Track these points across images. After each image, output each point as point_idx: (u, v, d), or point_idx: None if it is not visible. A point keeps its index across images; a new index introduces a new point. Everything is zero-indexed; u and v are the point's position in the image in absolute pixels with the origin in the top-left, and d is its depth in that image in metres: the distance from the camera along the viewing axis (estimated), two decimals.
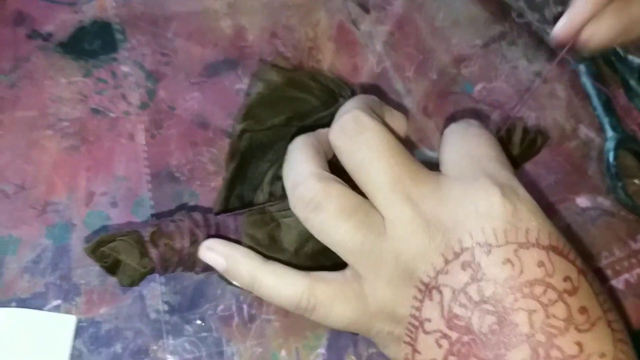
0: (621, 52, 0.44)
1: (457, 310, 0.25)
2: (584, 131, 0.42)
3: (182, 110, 0.40)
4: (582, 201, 0.40)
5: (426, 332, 0.26)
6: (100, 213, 0.36)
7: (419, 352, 0.26)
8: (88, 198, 0.36)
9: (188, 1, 0.44)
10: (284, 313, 0.34)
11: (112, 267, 0.30)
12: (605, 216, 0.39)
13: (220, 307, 0.34)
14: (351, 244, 0.27)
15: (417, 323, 0.26)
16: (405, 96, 0.43)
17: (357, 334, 0.34)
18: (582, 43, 0.33)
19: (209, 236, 0.30)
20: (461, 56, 0.45)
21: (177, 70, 0.41)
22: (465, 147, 0.29)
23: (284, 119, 0.35)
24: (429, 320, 0.26)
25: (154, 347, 0.33)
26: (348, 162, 0.29)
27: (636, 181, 0.41)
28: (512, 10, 0.46)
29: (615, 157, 0.40)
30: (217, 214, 0.33)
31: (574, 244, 0.36)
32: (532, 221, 0.26)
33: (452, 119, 0.42)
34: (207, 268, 0.31)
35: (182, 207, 0.36)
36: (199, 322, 0.34)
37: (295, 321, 0.34)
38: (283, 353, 0.33)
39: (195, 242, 0.30)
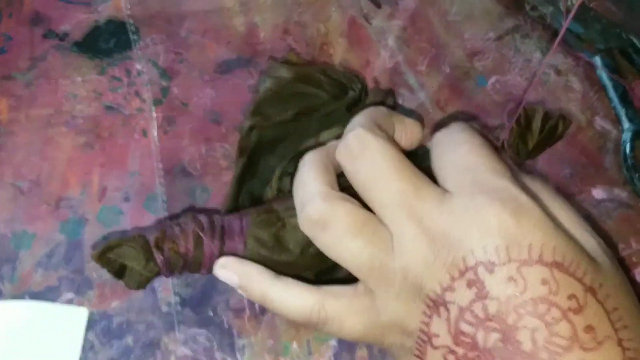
0: (638, 43, 0.43)
1: (463, 327, 0.25)
2: (600, 123, 0.42)
3: (195, 106, 0.40)
4: (598, 193, 0.39)
5: (434, 347, 0.26)
6: (114, 208, 0.36)
7: None
8: (101, 193, 0.37)
9: (202, 0, 0.45)
10: None
11: (118, 272, 0.30)
12: (622, 208, 0.39)
13: (232, 300, 0.34)
14: (359, 261, 0.28)
15: (425, 338, 0.26)
16: (418, 90, 0.42)
17: None
18: None
19: (213, 238, 0.30)
20: (474, 50, 0.44)
21: (191, 68, 0.42)
22: (457, 158, 0.29)
23: (291, 115, 0.35)
24: (436, 335, 0.26)
25: (166, 340, 0.33)
26: (353, 180, 0.29)
27: None
28: (526, 3, 0.46)
29: (632, 149, 0.39)
30: (226, 212, 0.34)
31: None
32: (535, 235, 0.25)
33: (454, 118, 0.42)
34: (212, 270, 0.31)
35: (193, 202, 0.37)
36: (210, 314, 0.34)
37: None
38: (294, 345, 0.33)
39: (200, 246, 0.30)
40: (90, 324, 0.33)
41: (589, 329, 0.24)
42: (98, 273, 0.34)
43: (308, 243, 0.30)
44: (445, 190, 0.28)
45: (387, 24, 0.45)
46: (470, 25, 0.45)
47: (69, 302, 0.34)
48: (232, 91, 0.41)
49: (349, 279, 0.29)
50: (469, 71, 0.43)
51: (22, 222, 0.35)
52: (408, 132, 0.33)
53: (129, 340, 0.33)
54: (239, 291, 0.30)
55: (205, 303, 0.34)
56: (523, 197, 0.26)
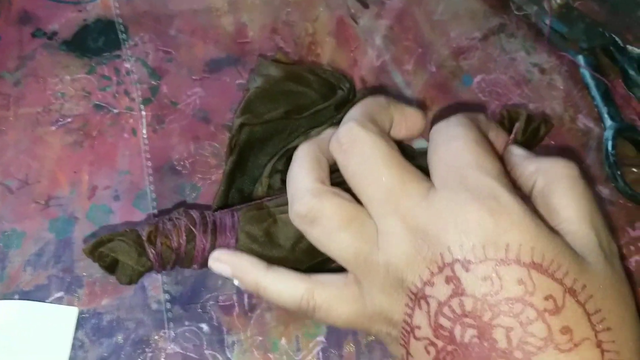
0: (620, 42, 0.44)
1: (442, 321, 0.26)
2: (583, 121, 0.42)
3: (184, 105, 0.40)
4: None
5: (417, 338, 0.27)
6: (103, 207, 0.37)
7: (411, 355, 0.27)
8: (91, 192, 0.37)
9: None
10: None
11: (110, 267, 0.30)
12: (605, 204, 0.39)
13: (221, 297, 0.35)
14: (346, 254, 0.28)
15: (409, 329, 0.27)
16: (405, 89, 0.43)
17: None
18: None
19: (205, 233, 0.31)
20: (460, 49, 0.45)
21: (180, 67, 0.42)
22: (445, 154, 0.29)
23: (282, 112, 0.36)
24: (418, 327, 0.27)
25: (156, 337, 0.33)
26: (345, 174, 0.29)
27: (635, 169, 0.41)
28: (511, 3, 0.46)
29: (614, 146, 0.40)
30: (216, 209, 0.34)
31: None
32: (513, 235, 0.25)
33: (447, 111, 0.42)
34: (204, 265, 0.31)
35: (183, 200, 0.37)
36: (200, 311, 0.34)
37: None
38: (283, 341, 0.34)
39: (192, 240, 0.30)
40: (80, 323, 0.33)
41: (566, 330, 0.24)
42: (88, 272, 0.35)
43: (299, 238, 0.31)
44: (432, 186, 0.28)
45: (374, 24, 0.45)
46: (456, 25, 0.46)
47: (59, 300, 0.34)
48: (221, 90, 0.41)
49: (341, 269, 0.30)
50: (454, 70, 0.44)
51: (11, 221, 0.36)
52: (408, 122, 0.32)
53: (119, 338, 0.33)
54: (234, 282, 0.31)
55: (195, 300, 0.34)
56: (505, 196, 0.26)
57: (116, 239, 0.30)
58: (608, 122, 0.41)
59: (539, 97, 0.43)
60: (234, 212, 0.32)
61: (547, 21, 0.45)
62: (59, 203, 0.36)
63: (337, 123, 0.33)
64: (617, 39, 0.44)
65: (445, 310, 0.25)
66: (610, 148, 0.40)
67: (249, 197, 0.35)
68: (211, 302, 0.34)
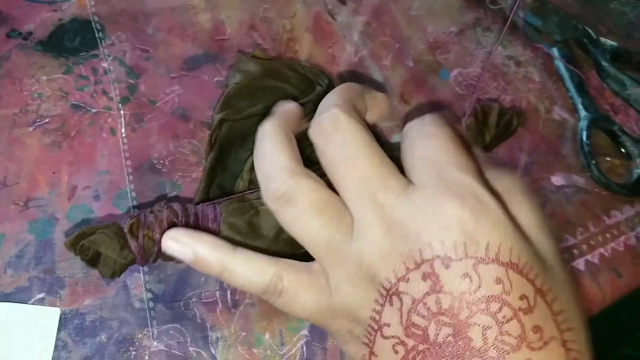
0: (593, 34, 0.45)
1: (415, 319, 0.25)
2: (558, 112, 0.43)
3: (162, 103, 0.40)
4: (557, 179, 0.40)
5: (384, 337, 0.26)
6: (83, 207, 0.36)
7: (375, 355, 0.27)
8: (70, 192, 0.37)
9: None
10: None
11: (92, 260, 0.30)
12: (580, 193, 0.40)
13: (204, 294, 0.35)
14: (317, 240, 0.28)
15: (376, 326, 0.26)
16: (383, 84, 0.43)
17: None
18: None
19: (187, 225, 0.31)
20: (437, 43, 0.45)
21: (158, 65, 0.42)
22: (424, 151, 0.28)
23: (262, 108, 0.36)
24: (387, 325, 0.26)
25: (139, 336, 0.33)
26: (323, 160, 0.29)
27: (609, 159, 0.41)
28: None
29: (589, 136, 0.41)
30: (198, 203, 0.34)
31: (550, 222, 0.37)
32: (493, 235, 0.25)
33: (421, 110, 0.43)
34: None
35: (163, 198, 0.37)
36: (183, 309, 0.34)
37: None
38: (267, 336, 0.34)
39: None
40: (63, 323, 0.33)
41: (537, 329, 0.25)
42: (69, 272, 0.34)
43: (281, 228, 0.30)
44: (410, 182, 0.28)
45: (351, 20, 0.46)
46: (432, 19, 0.46)
47: (41, 302, 0.34)
48: (199, 87, 0.41)
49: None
50: (432, 64, 0.44)
51: None
52: (379, 107, 0.33)
53: (103, 337, 0.33)
54: (193, 266, 0.29)
55: (178, 298, 0.35)
56: (486, 196, 0.26)
57: (98, 232, 0.29)
58: (582, 112, 0.42)
59: (515, 89, 0.44)
60: (216, 205, 0.32)
61: (521, 14, 0.46)
62: (39, 204, 0.36)
63: None
64: (590, 31, 0.45)
65: (420, 307, 0.25)
66: (584, 138, 0.41)
67: (230, 192, 0.35)
68: (194, 299, 0.35)
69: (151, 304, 0.34)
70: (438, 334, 0.25)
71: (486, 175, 0.29)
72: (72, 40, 0.42)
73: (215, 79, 0.41)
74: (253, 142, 0.36)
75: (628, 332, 0.92)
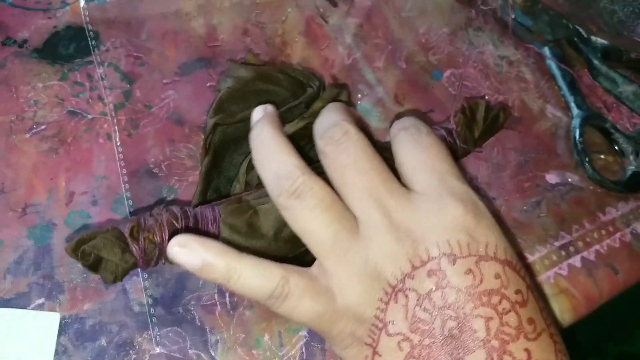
0: (584, 33, 0.45)
1: (421, 314, 0.27)
2: (551, 111, 0.43)
3: (158, 108, 0.41)
4: (552, 177, 0.41)
5: (389, 335, 0.27)
6: (81, 212, 0.37)
7: (379, 355, 0.27)
8: (68, 198, 0.37)
9: (160, 3, 0.45)
10: None
11: (94, 265, 0.30)
12: (575, 191, 0.40)
13: (203, 297, 0.35)
14: (324, 236, 0.29)
15: (380, 325, 0.28)
16: (377, 86, 0.43)
17: None
18: None
19: (187, 228, 0.31)
20: (429, 44, 0.46)
21: (152, 71, 0.42)
22: (423, 161, 0.31)
23: None
24: (392, 322, 0.27)
25: (139, 339, 0.33)
26: (332, 166, 0.30)
27: (602, 156, 0.42)
28: None
29: (582, 134, 0.41)
30: (195, 206, 0.34)
31: (545, 218, 0.38)
32: (490, 236, 0.28)
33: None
34: None
35: (161, 202, 0.37)
36: (182, 312, 0.34)
37: None
38: (266, 337, 0.34)
39: (175, 234, 0.30)
40: (63, 328, 0.33)
41: (531, 321, 0.27)
42: (68, 277, 0.34)
43: (281, 227, 0.31)
44: (409, 190, 0.30)
45: (343, 22, 0.46)
46: (424, 20, 0.47)
47: (40, 307, 0.34)
48: (194, 92, 0.41)
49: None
50: (424, 65, 0.45)
51: None
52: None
53: (103, 341, 0.33)
54: (198, 273, 0.29)
55: (177, 301, 0.35)
56: (480, 203, 0.30)
57: (98, 237, 0.29)
58: (575, 111, 0.42)
59: (508, 89, 0.44)
60: (214, 206, 0.32)
61: (512, 15, 0.46)
62: (36, 210, 0.36)
63: (308, 118, 0.35)
64: (580, 30, 0.45)
65: (426, 303, 0.27)
66: (578, 136, 0.41)
67: (226, 196, 0.35)
68: (193, 302, 0.35)
69: (151, 308, 0.34)
70: (444, 328, 0.26)
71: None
72: (67, 47, 0.42)
73: (208, 84, 0.42)
74: (247, 146, 0.36)
75: (627, 329, 0.92)
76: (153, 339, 0.33)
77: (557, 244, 0.38)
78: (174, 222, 0.31)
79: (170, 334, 0.34)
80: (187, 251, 0.28)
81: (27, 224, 0.36)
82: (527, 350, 0.26)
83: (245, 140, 0.36)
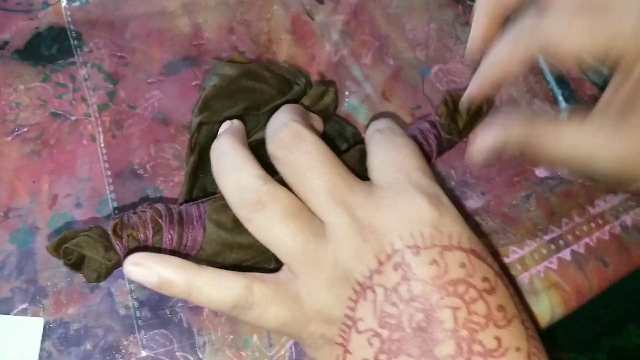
0: None
1: (389, 308, 0.27)
2: (539, 104, 0.43)
3: (142, 109, 0.40)
4: (541, 172, 0.40)
5: (359, 332, 0.27)
6: (65, 215, 0.36)
7: (350, 353, 0.27)
8: (52, 201, 0.36)
9: (144, 3, 0.44)
10: None
11: (76, 264, 0.29)
12: (564, 184, 0.40)
13: None
14: (293, 245, 0.28)
15: (350, 323, 0.27)
16: (364, 82, 0.43)
17: None
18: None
19: (171, 225, 0.30)
20: (416, 40, 0.45)
21: (136, 71, 0.42)
22: (393, 158, 0.31)
23: (240, 109, 0.36)
24: (362, 319, 0.27)
25: (125, 343, 0.33)
26: (287, 171, 0.30)
27: None
28: None
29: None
30: (181, 204, 0.34)
31: (534, 212, 0.37)
32: (454, 227, 0.28)
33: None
34: None
35: (145, 199, 0.37)
36: (169, 314, 0.34)
37: None
38: (255, 338, 0.34)
39: (159, 232, 0.30)
40: (47, 333, 0.33)
41: (501, 308, 0.27)
42: (52, 281, 0.34)
43: None
44: (371, 184, 0.30)
45: (330, 19, 0.46)
46: (411, 17, 0.46)
47: (24, 312, 0.33)
48: (179, 92, 0.41)
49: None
50: (412, 61, 0.44)
51: None
52: (316, 125, 0.34)
53: (88, 346, 0.33)
54: (157, 290, 0.28)
55: (163, 304, 0.34)
56: (445, 198, 0.30)
57: (81, 235, 0.29)
58: (563, 104, 0.42)
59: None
60: (200, 204, 0.32)
61: None
62: (19, 214, 0.36)
63: None
64: None
65: (393, 297, 0.27)
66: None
67: (212, 195, 0.35)
68: (180, 304, 0.34)
69: (137, 311, 0.34)
70: (411, 321, 0.26)
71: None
72: (49, 49, 0.42)
73: (194, 83, 0.41)
74: None
75: (620, 323, 0.92)
76: (139, 342, 0.33)
77: (546, 237, 0.38)
78: (158, 219, 0.30)
79: (157, 337, 0.33)
80: (141, 269, 0.28)
81: (10, 228, 0.35)
82: (497, 338, 0.26)
83: None
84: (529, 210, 0.39)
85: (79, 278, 0.34)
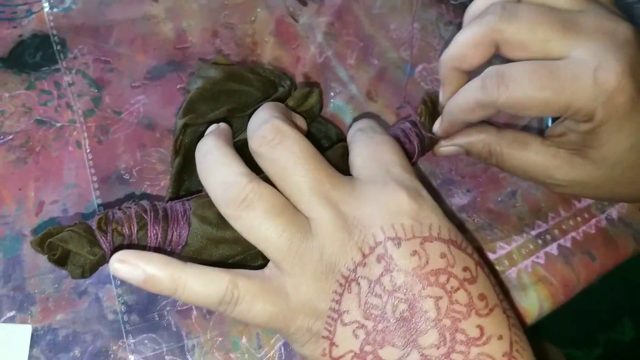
0: None
1: (373, 300, 0.27)
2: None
3: (128, 114, 0.40)
4: None
5: (344, 324, 0.28)
6: (52, 221, 0.36)
7: (336, 345, 0.28)
8: (38, 208, 0.36)
9: (127, 8, 0.44)
10: None
11: (61, 259, 0.29)
12: None
13: (178, 302, 0.34)
14: (279, 241, 0.28)
15: (336, 316, 0.28)
16: (349, 83, 0.43)
17: None
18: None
19: (155, 220, 0.30)
20: (400, 40, 0.46)
21: (121, 76, 0.42)
22: (373, 153, 0.32)
23: (225, 111, 0.36)
24: (347, 312, 0.28)
25: (114, 348, 0.33)
26: (270, 168, 0.30)
27: None
28: None
29: (554, 120, 0.41)
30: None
31: (520, 208, 0.37)
32: (433, 218, 0.29)
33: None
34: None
35: (131, 197, 0.37)
36: (157, 318, 0.34)
37: None
38: (244, 339, 0.34)
39: (143, 227, 0.30)
40: (35, 340, 0.33)
41: (482, 297, 0.27)
42: (40, 288, 0.34)
43: None
44: (353, 178, 0.31)
45: (314, 21, 0.46)
46: (394, 17, 0.47)
47: (11, 320, 0.33)
48: (164, 96, 0.41)
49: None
50: (396, 61, 0.45)
51: None
52: (299, 124, 0.35)
53: (76, 352, 0.33)
54: (143, 286, 0.28)
55: (152, 308, 0.34)
56: (424, 191, 0.31)
57: (65, 230, 0.29)
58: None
59: None
60: (185, 201, 0.32)
61: None
62: (5, 221, 0.36)
63: None
64: None
65: (377, 288, 0.27)
66: (550, 124, 0.41)
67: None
68: (168, 308, 0.34)
69: (125, 316, 0.34)
70: (395, 311, 0.27)
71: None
72: (34, 56, 0.42)
73: (178, 87, 0.41)
74: None
75: (615, 318, 0.93)
76: (127, 347, 0.33)
77: (533, 232, 0.38)
78: (143, 215, 0.30)
79: (145, 341, 0.33)
80: (127, 266, 0.27)
81: None
82: (479, 326, 0.26)
83: None
84: (515, 206, 0.39)
85: (67, 284, 0.34)
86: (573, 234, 0.38)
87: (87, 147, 0.38)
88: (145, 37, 0.43)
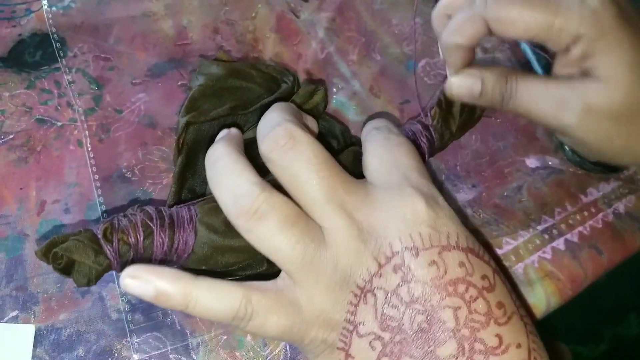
0: None
1: (390, 311, 0.26)
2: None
3: (129, 112, 0.40)
4: (532, 162, 0.40)
5: (360, 336, 0.27)
6: (54, 221, 0.36)
7: (352, 357, 0.27)
8: (39, 207, 0.36)
9: (126, 6, 0.44)
10: None
11: (66, 269, 0.29)
12: (555, 174, 0.40)
13: None
14: (293, 253, 0.27)
15: (351, 327, 0.27)
16: (352, 79, 0.43)
17: None
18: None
19: (162, 228, 0.30)
20: (402, 35, 0.45)
21: (122, 74, 0.41)
22: (389, 157, 0.31)
23: (228, 108, 0.35)
24: (362, 323, 0.27)
25: (118, 347, 0.33)
26: (282, 174, 0.29)
27: None
28: None
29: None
30: (170, 207, 0.33)
31: (526, 203, 0.37)
32: (451, 227, 0.28)
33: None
34: (164, 261, 0.30)
35: (134, 203, 0.36)
36: (161, 317, 0.33)
37: None
38: (249, 337, 0.33)
39: (150, 235, 0.30)
40: (39, 340, 0.32)
41: (500, 305, 0.27)
42: (42, 288, 0.34)
43: None
44: (368, 183, 0.30)
45: (315, 16, 0.45)
46: (396, 12, 0.46)
47: (14, 320, 0.33)
48: (165, 94, 0.41)
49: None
50: (398, 56, 0.44)
51: None
52: (309, 125, 0.34)
53: (80, 351, 0.32)
54: (155, 302, 0.27)
55: (156, 307, 0.34)
56: (440, 198, 0.30)
57: (70, 239, 0.28)
58: (540, 72, 0.42)
59: None
60: (190, 206, 0.31)
61: None
62: (7, 221, 0.35)
63: None
64: None
65: (393, 299, 0.26)
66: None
67: (201, 196, 0.35)
68: None
69: (129, 315, 0.33)
70: (412, 322, 0.26)
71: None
72: (33, 55, 0.41)
73: (180, 84, 0.41)
74: None
75: (621, 313, 0.93)
76: (131, 346, 0.33)
77: (540, 227, 0.38)
78: (149, 223, 0.30)
79: (150, 340, 0.33)
80: (138, 282, 0.27)
81: None
82: (498, 335, 0.26)
83: None
84: (521, 201, 0.39)
85: (70, 283, 0.34)
86: (580, 228, 0.38)
87: (89, 145, 0.38)
88: (145, 34, 0.43)
